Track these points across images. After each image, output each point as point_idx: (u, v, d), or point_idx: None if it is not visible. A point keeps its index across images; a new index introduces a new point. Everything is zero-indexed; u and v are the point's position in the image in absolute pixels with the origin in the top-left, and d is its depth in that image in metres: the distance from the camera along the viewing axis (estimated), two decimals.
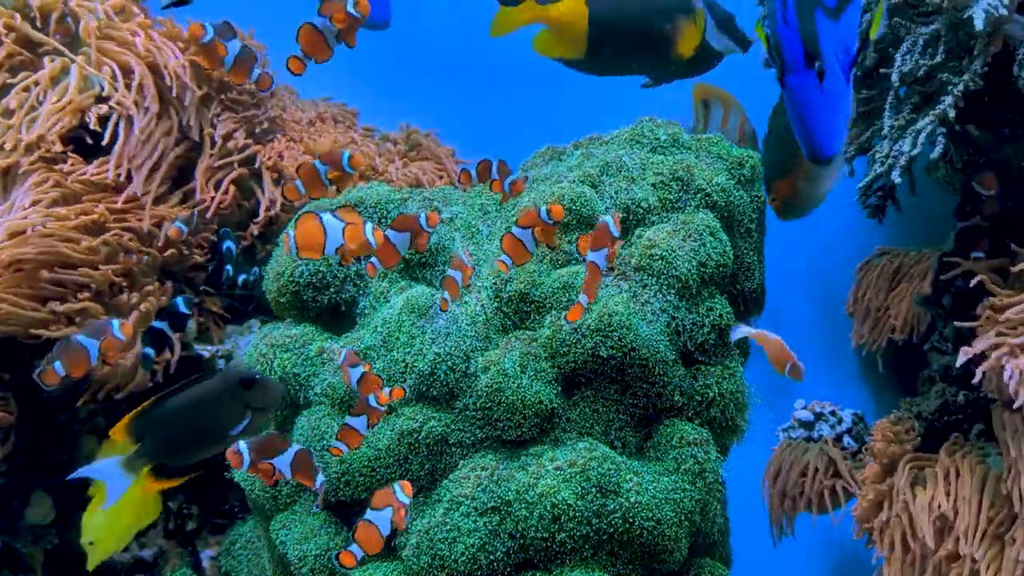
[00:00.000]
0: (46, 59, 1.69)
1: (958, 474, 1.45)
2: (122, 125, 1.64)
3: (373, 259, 1.14)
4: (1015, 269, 1.45)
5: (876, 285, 1.82)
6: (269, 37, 1.87)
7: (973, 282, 1.45)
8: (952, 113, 1.35)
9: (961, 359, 1.39)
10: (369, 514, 1.07)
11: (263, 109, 1.83)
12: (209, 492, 1.69)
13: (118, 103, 1.63)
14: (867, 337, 1.86)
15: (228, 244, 1.66)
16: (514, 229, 1.20)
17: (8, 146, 1.62)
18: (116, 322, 1.17)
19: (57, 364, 1.15)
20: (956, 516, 1.41)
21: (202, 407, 1.14)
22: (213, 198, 1.70)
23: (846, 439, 1.81)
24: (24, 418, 1.55)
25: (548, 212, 1.16)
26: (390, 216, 1.42)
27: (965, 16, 1.29)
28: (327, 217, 1.10)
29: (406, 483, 1.09)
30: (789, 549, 1.82)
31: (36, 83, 1.66)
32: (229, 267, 1.67)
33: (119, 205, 1.63)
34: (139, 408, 1.13)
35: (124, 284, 1.57)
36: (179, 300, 1.49)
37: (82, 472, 1.16)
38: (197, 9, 1.82)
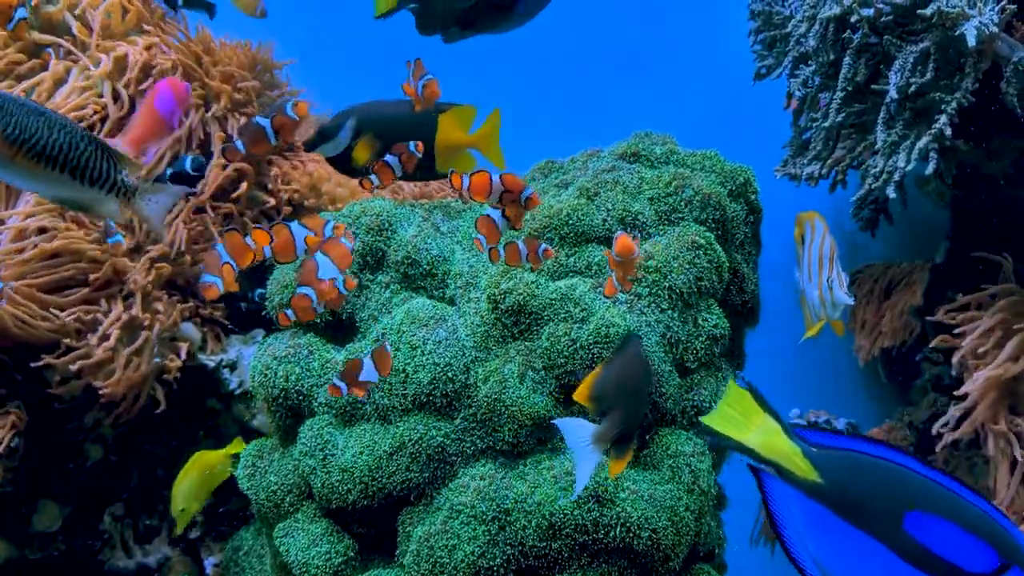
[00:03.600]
0: (52, 62, 1.71)
1: None
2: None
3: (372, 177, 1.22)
4: (961, 300, 1.50)
5: (869, 297, 1.84)
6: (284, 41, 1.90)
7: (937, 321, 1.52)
8: (949, 131, 1.37)
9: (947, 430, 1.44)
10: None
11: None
12: (213, 499, 1.70)
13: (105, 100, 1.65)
14: (866, 348, 1.88)
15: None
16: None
17: None
18: (289, 103, 1.20)
19: (239, 143, 1.20)
20: None
21: (640, 368, 1.05)
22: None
23: None
24: (32, 425, 1.57)
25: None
26: (392, 229, 1.44)
27: (957, 33, 1.31)
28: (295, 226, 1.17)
29: (340, 225, 1.16)
30: (785, 558, 1.83)
31: (39, 83, 1.68)
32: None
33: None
34: (595, 373, 1.03)
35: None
36: (186, 159, 1.48)
37: (562, 426, 1.02)
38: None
